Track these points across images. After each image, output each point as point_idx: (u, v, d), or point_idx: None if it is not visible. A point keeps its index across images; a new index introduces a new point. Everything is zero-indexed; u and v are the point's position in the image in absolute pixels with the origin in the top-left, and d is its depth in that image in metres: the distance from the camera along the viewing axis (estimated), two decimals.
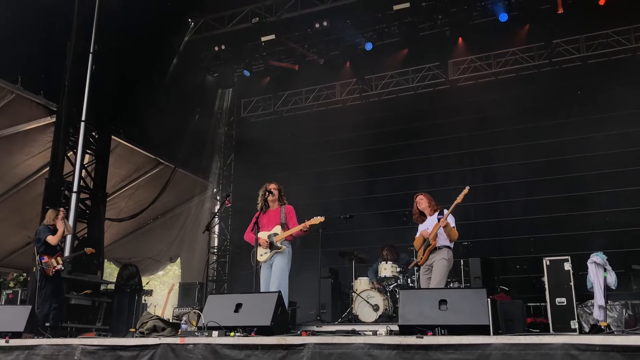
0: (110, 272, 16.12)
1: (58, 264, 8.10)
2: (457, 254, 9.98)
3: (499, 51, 12.44)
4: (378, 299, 8.62)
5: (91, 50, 10.31)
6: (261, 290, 6.82)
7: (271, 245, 6.88)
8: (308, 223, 6.87)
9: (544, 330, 8.41)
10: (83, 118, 10.16)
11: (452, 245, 7.07)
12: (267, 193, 7.12)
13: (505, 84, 12.39)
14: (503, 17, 11.52)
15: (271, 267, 6.93)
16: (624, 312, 8.91)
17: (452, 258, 7.06)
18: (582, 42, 11.87)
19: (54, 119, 10.26)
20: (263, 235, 6.93)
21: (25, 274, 10.44)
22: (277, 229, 6.98)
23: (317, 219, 6.85)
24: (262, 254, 6.94)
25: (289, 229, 6.95)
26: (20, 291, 9.83)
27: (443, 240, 6.95)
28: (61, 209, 8.47)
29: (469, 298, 5.01)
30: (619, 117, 10.99)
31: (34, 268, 8.30)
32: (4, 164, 10.68)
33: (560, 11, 11.08)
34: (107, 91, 10.83)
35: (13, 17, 9.39)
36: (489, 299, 4.99)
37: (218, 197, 14.70)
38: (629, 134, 10.85)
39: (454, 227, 6.91)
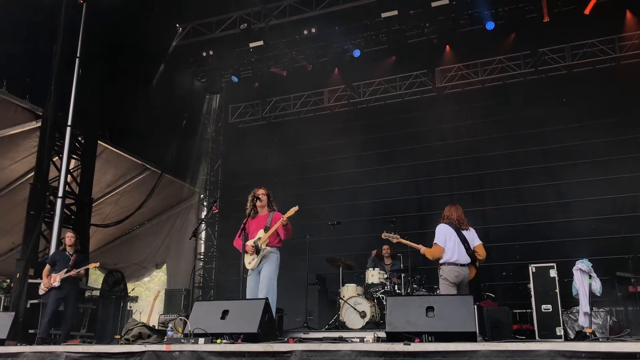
0: (95, 278, 15.97)
1: (54, 281, 8.24)
2: None
3: (485, 59, 12.55)
4: (365, 305, 8.61)
5: (78, 55, 10.24)
6: (248, 298, 6.78)
7: (257, 250, 6.82)
8: (285, 216, 6.75)
9: (530, 336, 8.45)
10: (69, 123, 10.07)
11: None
12: (255, 199, 7.07)
13: (492, 92, 12.51)
14: (490, 25, 11.63)
15: (259, 273, 6.87)
16: (609, 319, 8.97)
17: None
18: (567, 50, 12.02)
19: (39, 124, 10.16)
20: (250, 242, 6.89)
21: (8, 280, 10.29)
22: (261, 232, 6.91)
23: (292, 210, 6.74)
24: (249, 262, 6.88)
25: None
26: (3, 297, 9.70)
27: None
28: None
29: (456, 305, 5.02)
30: (603, 125, 11.12)
31: None
32: None
33: (546, 20, 11.21)
34: (93, 96, 10.74)
35: None
36: (475, 306, 5.02)
37: (205, 203, 14.64)
38: (614, 141, 10.98)
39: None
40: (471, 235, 7.05)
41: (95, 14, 10.56)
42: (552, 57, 12.08)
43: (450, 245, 6.87)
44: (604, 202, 10.87)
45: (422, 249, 7.22)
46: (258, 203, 7.06)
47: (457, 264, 6.80)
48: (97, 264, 8.81)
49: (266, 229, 6.88)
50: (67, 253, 8.57)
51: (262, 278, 6.80)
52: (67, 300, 8.39)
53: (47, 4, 10.16)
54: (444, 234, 6.93)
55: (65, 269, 8.29)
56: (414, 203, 12.38)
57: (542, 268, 8.50)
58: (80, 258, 8.61)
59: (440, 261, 6.90)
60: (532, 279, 8.48)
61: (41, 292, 8.34)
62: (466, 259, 6.86)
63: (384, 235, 8.20)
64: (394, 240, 7.86)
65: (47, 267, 8.45)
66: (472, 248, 6.94)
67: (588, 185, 10.98)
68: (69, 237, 8.71)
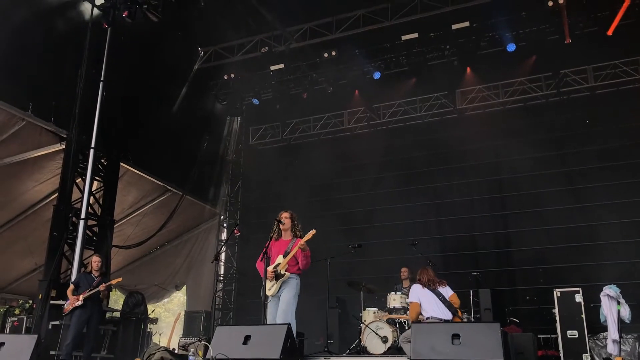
0: (116, 299, 16.04)
1: (77, 300, 8.26)
2: (467, 285, 9.96)
3: (506, 81, 12.49)
4: (387, 330, 8.50)
5: (102, 78, 10.39)
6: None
7: (276, 276, 6.67)
8: (303, 240, 6.61)
9: None
10: (92, 145, 10.18)
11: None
12: (278, 222, 6.96)
13: (513, 114, 12.41)
14: (511, 47, 11.56)
15: (279, 299, 6.69)
16: (637, 346, 8.77)
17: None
18: (589, 72, 11.92)
19: (63, 146, 10.29)
20: (270, 267, 6.70)
21: (30, 301, 10.38)
22: (280, 258, 6.75)
23: (310, 233, 6.62)
24: (269, 288, 6.68)
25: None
26: (25, 318, 9.74)
27: None
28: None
29: (482, 332, 4.93)
30: (628, 147, 10.97)
31: None
32: (13, 190, 10.69)
33: (568, 41, 11.12)
34: (116, 118, 10.88)
35: (24, 44, 9.50)
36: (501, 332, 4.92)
37: (225, 225, 14.67)
38: (638, 164, 10.80)
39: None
40: (445, 290, 7.16)
41: (120, 39, 10.73)
42: (574, 79, 12.00)
43: (426, 303, 6.99)
44: (631, 225, 10.66)
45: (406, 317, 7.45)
46: (281, 226, 6.94)
47: (441, 320, 6.86)
48: (120, 279, 8.78)
49: (285, 254, 6.79)
50: (92, 275, 8.62)
51: (281, 303, 6.63)
52: (90, 321, 8.40)
53: (72, 29, 10.37)
54: (416, 293, 7.10)
55: (89, 288, 8.32)
56: (434, 225, 12.27)
57: (567, 293, 8.39)
58: (105, 281, 8.63)
59: (427, 316, 6.96)
60: (557, 304, 8.36)
61: (65, 312, 8.35)
62: (447, 314, 6.93)
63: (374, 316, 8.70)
64: (385, 318, 8.57)
65: (71, 286, 8.48)
66: (449, 301, 7.03)
67: (614, 208, 10.79)
68: (95, 261, 8.74)
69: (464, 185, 12.28)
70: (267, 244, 6.77)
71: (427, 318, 6.89)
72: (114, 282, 8.65)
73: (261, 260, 6.71)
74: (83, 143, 10.21)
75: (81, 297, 8.24)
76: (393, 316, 8.56)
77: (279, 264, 6.72)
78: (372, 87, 13.10)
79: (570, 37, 11.11)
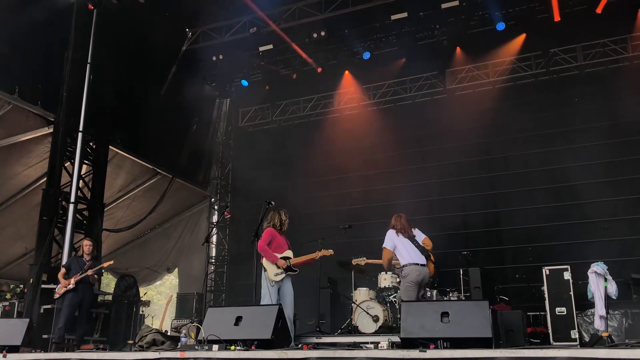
0: (108, 282, 16.04)
1: (70, 284, 8.26)
2: (457, 264, 10.04)
3: (496, 60, 12.46)
4: (378, 309, 8.57)
5: (89, 61, 10.28)
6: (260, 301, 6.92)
7: (288, 268, 7.14)
8: (320, 254, 7.44)
9: (544, 340, 8.40)
10: (80, 128, 10.11)
11: None
12: (282, 220, 7.43)
13: (503, 94, 12.39)
14: (500, 26, 11.57)
15: (279, 287, 7.14)
16: (624, 322, 8.91)
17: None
18: (579, 51, 11.91)
19: (51, 130, 10.22)
20: (283, 259, 7.18)
21: (22, 286, 10.36)
22: (289, 253, 7.28)
23: (328, 252, 7.53)
24: (276, 274, 7.11)
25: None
26: (17, 303, 9.75)
27: None
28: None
29: (471, 310, 4.98)
30: (616, 125, 11.02)
31: None
32: (1, 175, 10.60)
33: (557, 19, 11.12)
34: (104, 101, 10.79)
35: (10, 27, 9.36)
36: (489, 310, 4.97)
37: (216, 207, 14.66)
38: (627, 142, 10.87)
39: None
40: (418, 234, 7.40)
41: (106, 20, 10.60)
42: (563, 58, 11.98)
43: (402, 248, 7.21)
44: (618, 203, 10.75)
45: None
46: (285, 223, 7.45)
47: (418, 264, 7.10)
48: (112, 262, 8.77)
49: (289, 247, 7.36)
50: (83, 259, 8.62)
51: (290, 295, 7.16)
52: (82, 304, 8.42)
53: (58, 11, 10.22)
54: (391, 239, 7.32)
55: (81, 272, 8.32)
56: (425, 205, 12.30)
57: (555, 270, 8.48)
58: (96, 265, 8.63)
59: (402, 263, 7.19)
60: (545, 282, 8.45)
61: (56, 295, 8.36)
62: (422, 259, 7.17)
63: (354, 261, 9.02)
64: (363, 263, 8.93)
65: (63, 270, 8.48)
66: (422, 246, 7.27)
67: (601, 186, 10.87)
68: (87, 244, 8.73)
69: (454, 164, 12.28)
70: (272, 232, 7.23)
71: (404, 265, 7.12)
72: (105, 264, 8.64)
73: (268, 244, 7.09)
74: (71, 126, 10.13)
75: (72, 281, 8.24)
76: (371, 261, 8.84)
77: (289, 257, 7.21)
78: (362, 67, 13.07)
79: (560, 16, 11.11)
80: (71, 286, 8.23)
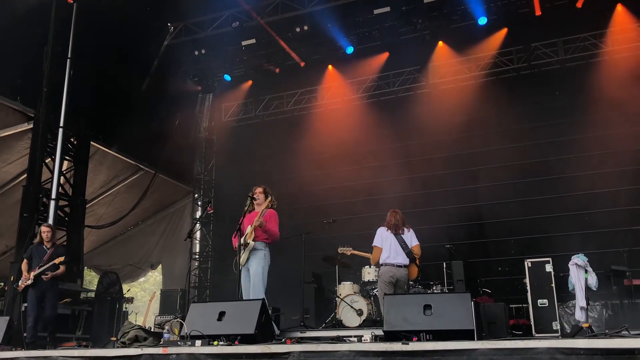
0: (90, 279, 15.93)
1: (29, 279, 7.85)
2: (440, 257, 10.10)
3: (478, 55, 12.52)
4: (362, 303, 8.61)
5: (69, 56, 10.17)
6: (242, 295, 6.81)
7: (244, 245, 6.87)
8: (256, 222, 6.87)
9: (527, 331, 8.47)
10: (61, 124, 10.03)
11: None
12: (252, 198, 7.11)
13: (485, 88, 12.45)
14: (482, 20, 11.63)
15: (248, 271, 6.94)
16: (604, 313, 9.03)
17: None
18: (560, 45, 12.01)
19: (31, 125, 10.11)
20: (242, 239, 6.92)
21: (2, 283, 10.25)
22: (249, 228, 6.95)
23: (261, 219, 6.95)
24: (241, 258, 6.93)
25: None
26: None
27: None
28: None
29: (453, 303, 5.02)
30: (598, 119, 11.13)
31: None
32: None
33: (539, 14, 11.21)
34: (85, 97, 10.68)
35: None
36: (472, 302, 5.01)
37: (199, 203, 14.59)
38: (607, 135, 10.99)
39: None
40: (409, 236, 7.46)
41: (86, 14, 10.49)
42: (544, 52, 12.08)
43: (386, 246, 7.29)
44: (599, 196, 10.87)
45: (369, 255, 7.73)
46: (255, 202, 7.10)
47: (393, 265, 7.19)
48: (62, 258, 7.94)
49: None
50: (44, 247, 8.10)
51: (252, 276, 6.88)
52: (46, 300, 7.94)
53: (37, 5, 10.07)
54: (380, 236, 7.41)
55: (38, 265, 7.84)
56: (410, 200, 12.34)
57: (537, 263, 8.55)
58: (58, 252, 8.05)
59: (380, 262, 7.29)
60: (528, 274, 8.52)
61: (19, 289, 7.95)
62: (404, 260, 7.24)
63: (339, 249, 8.77)
64: (349, 253, 9.06)
65: (25, 261, 8.03)
66: (410, 248, 7.34)
67: (581, 179, 11.00)
68: (45, 231, 8.14)
69: (437, 159, 12.34)
70: (240, 220, 6.85)
71: (380, 264, 7.23)
72: (57, 261, 7.91)
73: (234, 236, 6.80)
74: (52, 122, 10.04)
75: (31, 275, 7.79)
76: (357, 252, 9.03)
77: (248, 233, 6.88)
78: (346, 62, 13.06)
79: (541, 10, 11.21)
80: (29, 281, 7.78)
